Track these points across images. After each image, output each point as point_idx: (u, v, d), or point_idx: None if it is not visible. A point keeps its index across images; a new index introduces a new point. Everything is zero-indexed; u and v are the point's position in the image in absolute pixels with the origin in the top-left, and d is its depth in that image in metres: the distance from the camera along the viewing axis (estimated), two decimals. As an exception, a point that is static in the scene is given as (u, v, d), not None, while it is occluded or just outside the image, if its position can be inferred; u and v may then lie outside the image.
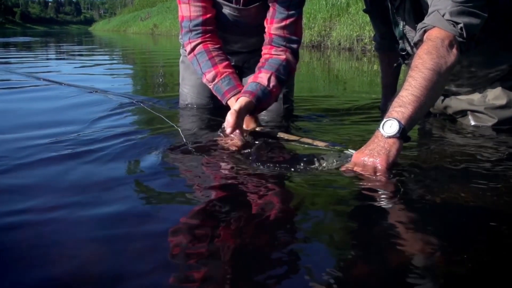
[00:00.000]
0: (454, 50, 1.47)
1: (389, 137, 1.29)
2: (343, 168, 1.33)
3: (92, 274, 0.84)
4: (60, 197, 1.20)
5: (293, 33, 1.85)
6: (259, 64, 1.85)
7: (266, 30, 1.87)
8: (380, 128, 1.31)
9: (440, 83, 1.44)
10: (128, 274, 0.83)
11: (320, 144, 1.59)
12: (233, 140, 1.64)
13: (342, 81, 4.38)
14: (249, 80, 1.84)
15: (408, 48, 1.91)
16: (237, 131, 1.62)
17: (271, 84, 1.76)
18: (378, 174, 1.25)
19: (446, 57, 1.44)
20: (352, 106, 2.58)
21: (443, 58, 1.43)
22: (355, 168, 1.29)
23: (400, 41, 1.94)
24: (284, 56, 1.84)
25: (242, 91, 1.76)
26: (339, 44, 8.73)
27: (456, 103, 1.99)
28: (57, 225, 1.04)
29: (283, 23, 1.82)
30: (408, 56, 1.93)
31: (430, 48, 1.45)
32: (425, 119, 2.08)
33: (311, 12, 9.80)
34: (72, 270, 0.86)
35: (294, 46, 1.87)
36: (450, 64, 1.44)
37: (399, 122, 1.29)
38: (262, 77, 1.78)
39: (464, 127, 1.95)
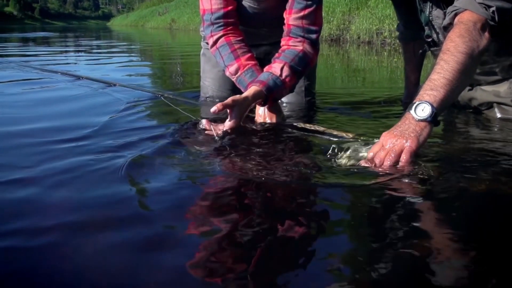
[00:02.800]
0: (486, 34, 1.45)
1: (421, 120, 1.26)
2: (369, 152, 1.29)
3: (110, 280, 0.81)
4: (75, 195, 1.15)
5: (312, 23, 1.83)
6: (276, 55, 1.84)
7: (285, 21, 1.86)
8: (412, 111, 1.28)
9: (472, 67, 1.41)
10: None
11: (346, 134, 1.58)
12: (220, 126, 1.64)
13: (362, 75, 4.34)
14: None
15: (434, 35, 1.87)
16: (234, 119, 1.61)
17: (284, 74, 1.75)
18: (405, 156, 1.22)
19: (479, 40, 1.41)
20: (374, 99, 2.55)
21: (475, 41, 1.40)
22: (382, 149, 1.27)
23: (425, 28, 1.91)
24: (301, 47, 1.82)
25: (254, 80, 1.75)
26: (358, 37, 8.67)
27: (482, 94, 1.95)
28: (77, 228, 0.98)
29: (302, 13, 1.80)
30: (434, 44, 1.89)
31: (462, 31, 1.42)
32: (450, 112, 2.04)
33: (330, 5, 9.74)
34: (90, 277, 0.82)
35: (313, 36, 1.85)
36: (482, 48, 1.42)
37: (431, 105, 1.27)
38: (275, 67, 1.77)
39: (490, 120, 1.91)
